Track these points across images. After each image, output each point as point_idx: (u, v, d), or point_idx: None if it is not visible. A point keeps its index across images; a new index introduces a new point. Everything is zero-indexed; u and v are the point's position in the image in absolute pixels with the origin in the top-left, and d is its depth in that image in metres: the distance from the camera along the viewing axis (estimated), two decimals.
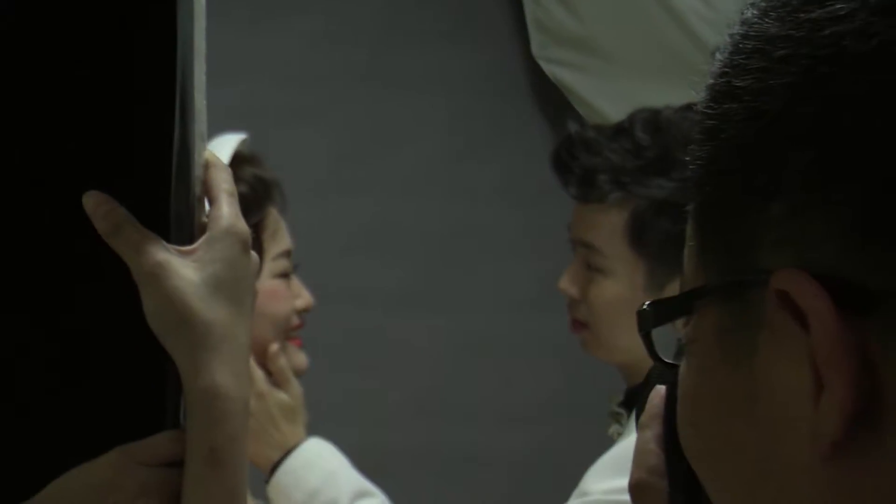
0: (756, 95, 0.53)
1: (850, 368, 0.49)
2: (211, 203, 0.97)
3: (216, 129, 1.52)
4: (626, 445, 1.74)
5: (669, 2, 3.02)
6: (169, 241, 0.93)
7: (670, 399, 0.64)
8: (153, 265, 0.92)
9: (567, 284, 1.91)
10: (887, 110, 0.49)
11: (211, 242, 0.95)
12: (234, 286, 0.95)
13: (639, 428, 0.67)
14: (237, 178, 1.02)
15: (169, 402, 0.95)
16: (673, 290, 1.61)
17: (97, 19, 0.94)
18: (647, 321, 0.60)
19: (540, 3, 3.18)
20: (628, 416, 1.83)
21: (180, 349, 0.93)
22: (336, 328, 2.96)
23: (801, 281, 0.50)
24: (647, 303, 0.59)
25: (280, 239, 1.77)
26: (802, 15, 0.51)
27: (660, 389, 0.66)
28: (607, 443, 1.86)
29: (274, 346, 1.76)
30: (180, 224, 0.95)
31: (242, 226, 0.97)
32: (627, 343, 1.80)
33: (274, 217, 1.76)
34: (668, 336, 0.61)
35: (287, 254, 1.78)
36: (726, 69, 0.55)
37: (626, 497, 0.68)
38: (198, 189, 0.97)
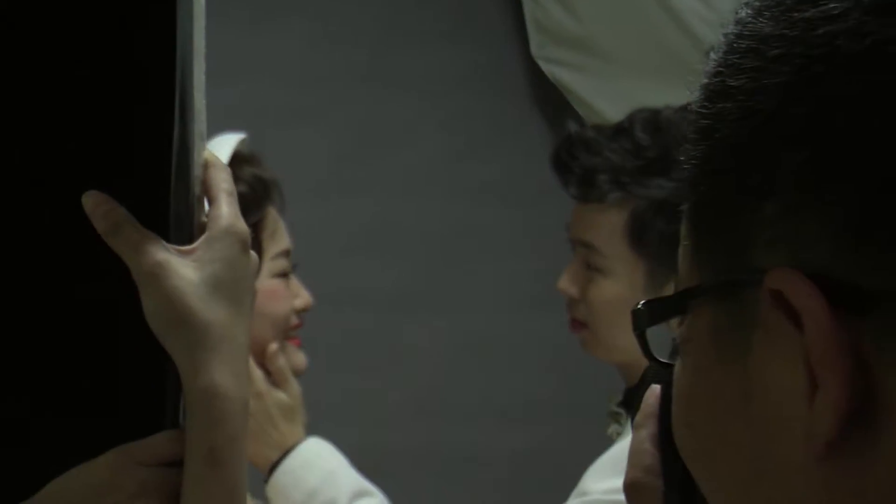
0: (750, 95, 0.53)
1: (844, 368, 0.49)
2: (210, 203, 0.97)
3: (216, 128, 1.52)
4: (625, 445, 1.74)
5: (668, 2, 3.02)
6: (168, 240, 0.93)
7: (665, 399, 0.64)
8: (152, 265, 0.92)
9: (566, 284, 1.91)
10: (881, 110, 0.49)
11: (210, 242, 0.95)
12: (234, 286, 0.95)
13: (634, 428, 0.67)
14: (236, 178, 1.02)
15: (168, 402, 0.95)
16: (672, 290, 1.61)
17: (97, 19, 0.94)
18: (642, 320, 0.60)
19: (539, 3, 3.18)
20: (627, 415, 1.83)
21: (180, 349, 0.93)
22: (335, 328, 2.96)
23: (795, 280, 0.50)
24: (642, 302, 0.59)
25: (279, 239, 1.77)
26: (796, 14, 0.51)
27: (655, 389, 0.66)
28: (607, 442, 1.86)
29: (273, 346, 1.76)
30: (180, 224, 0.95)
31: (242, 226, 0.97)
32: (627, 343, 1.80)
33: (273, 217, 1.76)
34: (663, 335, 0.61)
35: (286, 253, 1.78)
36: (721, 68, 0.55)
37: None
38: (197, 189, 0.97)
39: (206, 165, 0.98)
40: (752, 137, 0.52)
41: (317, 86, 3.15)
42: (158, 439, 0.94)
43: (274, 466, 1.78)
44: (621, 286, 1.85)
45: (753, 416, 0.52)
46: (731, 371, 0.53)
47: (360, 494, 1.78)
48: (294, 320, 1.81)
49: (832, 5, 0.50)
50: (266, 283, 1.74)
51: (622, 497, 0.67)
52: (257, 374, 1.75)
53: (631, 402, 0.69)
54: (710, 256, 0.55)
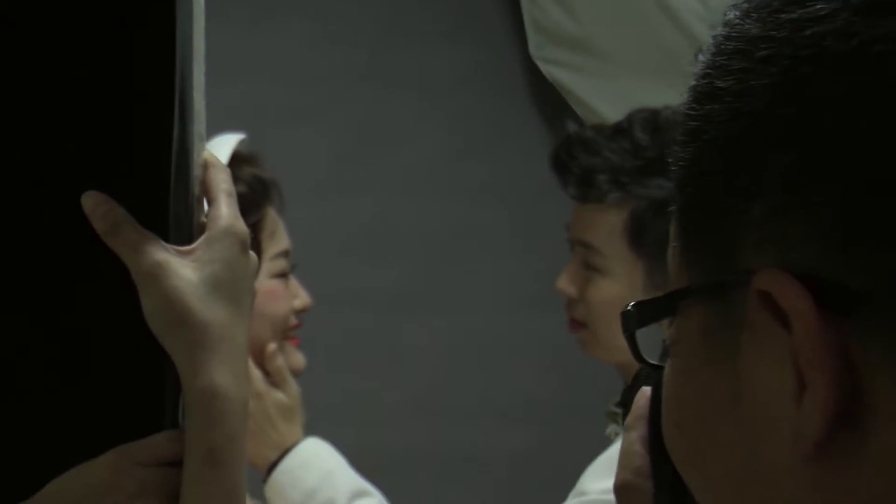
0: (738, 96, 0.53)
1: (831, 369, 0.49)
2: (210, 203, 0.98)
3: (216, 129, 1.52)
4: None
5: (667, 2, 3.02)
6: (168, 241, 0.93)
7: (655, 400, 0.64)
8: (152, 265, 0.92)
9: (565, 284, 1.91)
10: (867, 111, 0.49)
11: (210, 242, 0.95)
12: (233, 286, 0.95)
13: (625, 429, 0.67)
14: (236, 179, 1.02)
15: (168, 402, 0.95)
16: None
17: (97, 19, 0.94)
18: (631, 322, 0.60)
19: (537, 4, 3.18)
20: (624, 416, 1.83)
21: (179, 349, 0.93)
22: (334, 328, 2.96)
23: (783, 281, 0.50)
24: (632, 304, 0.59)
25: (278, 239, 1.77)
26: (784, 15, 0.51)
27: (645, 391, 0.66)
28: (606, 443, 1.86)
29: (272, 346, 1.76)
30: (179, 224, 0.95)
31: (241, 226, 0.97)
32: (625, 343, 1.80)
33: (272, 217, 1.76)
34: (655, 337, 0.62)
35: (285, 254, 1.79)
36: (709, 70, 0.55)
37: None
38: (196, 189, 0.97)
39: (205, 166, 0.98)
40: (740, 139, 0.52)
41: (316, 86, 3.15)
42: (158, 439, 0.94)
43: (272, 466, 1.78)
44: (620, 286, 1.85)
45: (742, 417, 0.52)
46: (720, 371, 0.54)
47: (359, 494, 1.79)
48: (293, 320, 1.81)
49: (819, 6, 0.50)
50: (265, 283, 1.74)
51: None
52: (256, 374, 1.75)
53: (626, 402, 0.70)
54: (699, 258, 0.55)
